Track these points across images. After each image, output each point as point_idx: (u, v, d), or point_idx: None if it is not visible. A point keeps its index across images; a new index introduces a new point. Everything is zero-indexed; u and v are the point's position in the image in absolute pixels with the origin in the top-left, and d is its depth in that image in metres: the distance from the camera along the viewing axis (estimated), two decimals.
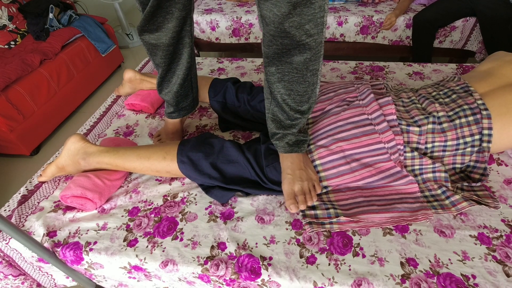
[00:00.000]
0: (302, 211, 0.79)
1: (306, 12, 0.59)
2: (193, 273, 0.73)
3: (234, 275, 0.70)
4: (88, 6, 2.86)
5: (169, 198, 0.88)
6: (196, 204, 0.85)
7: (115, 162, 0.87)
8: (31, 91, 1.72)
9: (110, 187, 0.88)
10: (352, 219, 0.75)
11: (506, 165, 0.90)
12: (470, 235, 0.73)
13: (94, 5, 2.93)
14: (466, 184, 0.81)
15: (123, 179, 0.93)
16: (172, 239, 0.77)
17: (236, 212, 0.83)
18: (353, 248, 0.73)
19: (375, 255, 0.71)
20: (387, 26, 1.99)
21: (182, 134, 1.09)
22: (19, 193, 0.91)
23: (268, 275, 0.69)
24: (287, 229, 0.78)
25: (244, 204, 0.84)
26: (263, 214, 0.82)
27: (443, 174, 0.81)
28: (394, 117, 0.82)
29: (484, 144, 0.81)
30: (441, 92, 0.90)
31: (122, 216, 0.84)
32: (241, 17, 2.14)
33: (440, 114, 0.82)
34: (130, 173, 0.96)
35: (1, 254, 0.81)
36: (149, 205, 0.86)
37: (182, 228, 0.80)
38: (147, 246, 0.76)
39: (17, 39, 1.96)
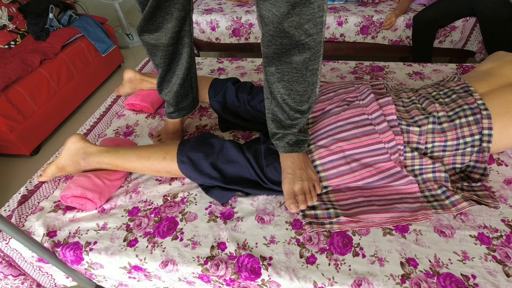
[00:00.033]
0: (302, 211, 0.79)
1: (305, 11, 0.59)
2: (193, 273, 0.73)
3: (234, 275, 0.70)
4: (88, 6, 2.86)
5: (169, 198, 0.88)
6: (196, 204, 0.85)
7: (115, 162, 0.87)
8: (31, 91, 1.72)
9: (110, 187, 0.88)
10: (352, 219, 0.75)
11: (506, 165, 0.90)
12: (470, 235, 0.73)
13: (94, 5, 2.93)
14: (466, 184, 0.81)
15: (123, 179, 0.93)
16: (172, 239, 0.77)
17: (236, 212, 0.83)
18: (353, 248, 0.73)
19: (375, 255, 0.71)
20: (387, 26, 1.99)
21: (182, 134, 1.09)
22: (19, 193, 0.91)
23: (268, 275, 0.69)
24: (287, 229, 0.78)
25: (244, 204, 0.84)
26: (263, 214, 0.82)
27: (443, 174, 0.81)
28: (394, 117, 0.82)
29: (484, 144, 0.81)
30: (441, 92, 0.90)
31: (122, 216, 0.84)
32: (241, 17, 2.14)
33: (440, 114, 0.82)
34: (130, 173, 0.96)
35: (1, 254, 0.82)
36: (149, 205, 0.86)
37: (182, 228, 0.80)
38: (147, 246, 0.76)
39: (17, 39, 1.96)
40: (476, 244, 0.72)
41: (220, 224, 0.80)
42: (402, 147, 0.81)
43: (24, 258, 0.83)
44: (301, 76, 0.70)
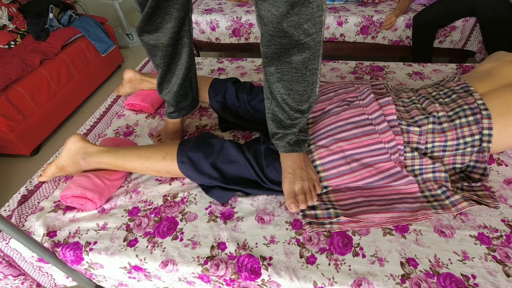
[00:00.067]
0: (302, 211, 0.79)
1: (304, 11, 0.59)
2: (193, 273, 0.73)
3: (234, 275, 0.70)
4: (88, 6, 2.86)
5: (169, 198, 0.88)
6: (196, 204, 0.85)
7: (115, 162, 0.87)
8: (31, 91, 1.72)
9: (110, 187, 0.88)
10: (352, 219, 0.75)
11: (506, 165, 0.90)
12: (470, 235, 0.73)
13: (94, 5, 2.93)
14: (466, 184, 0.81)
15: (123, 179, 0.93)
16: (172, 239, 0.77)
17: (236, 212, 0.83)
18: (353, 248, 0.73)
19: (375, 255, 0.71)
20: (387, 26, 1.99)
21: (183, 134, 1.09)
22: (19, 193, 0.91)
23: (268, 275, 0.69)
24: (287, 229, 0.78)
25: (244, 204, 0.84)
26: (263, 214, 0.82)
27: (443, 174, 0.81)
28: (395, 117, 0.82)
29: (484, 144, 0.81)
30: (441, 92, 0.90)
31: (122, 216, 0.84)
32: (241, 17, 2.14)
33: (440, 114, 0.82)
34: (130, 173, 0.96)
35: (1, 254, 0.82)
36: (149, 205, 0.86)
37: (182, 228, 0.80)
38: (147, 246, 0.76)
39: (17, 39, 1.96)
40: (476, 244, 0.72)
41: (220, 224, 0.80)
42: (402, 147, 0.81)
43: (24, 258, 0.83)
44: (300, 75, 0.70)
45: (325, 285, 0.67)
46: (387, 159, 0.80)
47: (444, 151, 0.83)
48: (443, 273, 0.67)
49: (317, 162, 0.82)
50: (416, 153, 0.81)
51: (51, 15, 2.04)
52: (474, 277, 0.66)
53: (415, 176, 0.83)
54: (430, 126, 0.81)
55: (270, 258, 0.72)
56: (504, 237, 0.72)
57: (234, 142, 0.88)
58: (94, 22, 2.25)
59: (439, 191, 0.80)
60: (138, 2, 0.79)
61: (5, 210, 0.87)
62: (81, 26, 2.16)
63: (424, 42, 1.99)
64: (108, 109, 1.25)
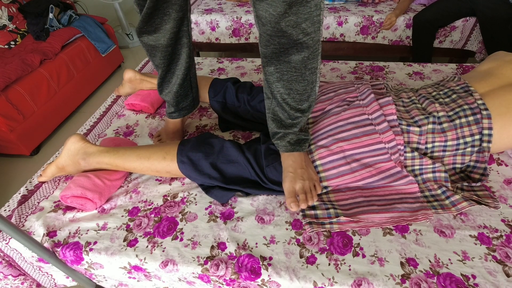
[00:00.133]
0: (302, 211, 0.79)
1: (302, 11, 0.59)
2: (193, 273, 0.73)
3: (234, 275, 0.70)
4: (88, 6, 2.86)
5: (169, 198, 0.88)
6: (196, 204, 0.85)
7: (115, 162, 0.87)
8: (31, 91, 1.72)
9: (110, 187, 0.88)
10: (352, 219, 0.75)
11: (506, 165, 0.90)
12: (470, 235, 0.73)
13: (94, 5, 2.93)
14: (466, 184, 0.81)
15: (123, 179, 0.93)
16: (172, 239, 0.77)
17: (236, 212, 0.83)
18: (353, 248, 0.73)
19: (375, 255, 0.71)
20: (387, 26, 1.99)
21: (183, 134, 1.09)
22: (19, 193, 0.91)
23: (268, 275, 0.69)
24: (287, 229, 0.78)
25: (244, 204, 0.84)
26: (263, 214, 0.82)
27: (443, 174, 0.81)
28: (395, 117, 0.82)
29: (484, 144, 0.81)
30: (441, 92, 0.90)
31: (122, 216, 0.84)
32: (241, 17, 2.14)
33: (440, 114, 0.82)
34: (130, 173, 0.96)
35: (1, 254, 0.81)
36: (149, 205, 0.86)
37: (182, 228, 0.80)
38: (147, 246, 0.76)
39: (17, 39, 1.96)
40: (476, 244, 0.72)
41: (220, 224, 0.80)
42: (402, 147, 0.81)
43: (24, 258, 0.83)
44: (300, 75, 0.70)
45: (325, 285, 0.67)
46: (387, 159, 0.80)
47: (444, 151, 0.83)
48: (443, 273, 0.67)
49: (317, 162, 0.82)
50: (416, 153, 0.81)
51: (51, 15, 2.04)
52: (474, 277, 0.66)
53: (415, 176, 0.83)
54: (430, 126, 0.81)
55: (270, 258, 0.72)
56: (504, 237, 0.72)
57: (234, 142, 0.88)
58: (94, 22, 2.25)
59: (439, 191, 0.80)
60: (137, 3, 0.79)
61: (5, 210, 0.87)
62: (81, 26, 2.16)
63: (424, 42, 1.99)
64: (108, 109, 1.25)
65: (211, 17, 2.18)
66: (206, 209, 0.84)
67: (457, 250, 0.71)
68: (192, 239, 0.77)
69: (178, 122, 1.04)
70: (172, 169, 0.86)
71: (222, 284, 0.74)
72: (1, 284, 0.85)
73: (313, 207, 0.79)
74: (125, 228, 0.81)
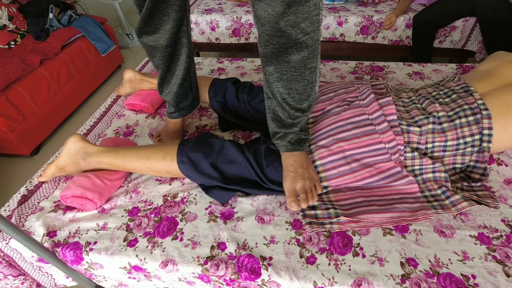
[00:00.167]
0: (302, 211, 0.79)
1: (301, 10, 0.59)
2: (193, 273, 0.73)
3: (234, 275, 0.70)
4: (88, 6, 2.86)
5: (169, 198, 0.88)
6: (196, 204, 0.85)
7: (115, 162, 0.87)
8: (31, 91, 1.72)
9: (110, 187, 0.88)
10: (352, 219, 0.75)
11: (506, 165, 0.90)
12: (470, 235, 0.73)
13: (94, 5, 2.93)
14: (466, 184, 0.81)
15: (123, 179, 0.93)
16: (172, 239, 0.77)
17: (236, 212, 0.83)
18: (353, 248, 0.73)
19: (375, 255, 0.71)
20: (387, 26, 1.99)
21: (183, 134, 1.09)
22: (19, 193, 0.91)
23: (268, 275, 0.69)
24: (287, 229, 0.78)
25: (244, 204, 0.84)
26: (263, 214, 0.82)
27: (443, 174, 0.81)
28: (395, 117, 0.82)
29: (484, 144, 0.81)
30: (441, 92, 0.90)
31: (122, 216, 0.84)
32: (241, 17, 2.14)
33: (440, 114, 0.82)
34: (130, 173, 0.96)
35: (1, 254, 0.82)
36: (149, 205, 0.86)
37: (182, 228, 0.80)
38: (147, 246, 0.76)
39: (17, 39, 1.96)
40: (476, 244, 0.72)
41: (220, 224, 0.80)
42: (402, 147, 0.81)
43: (24, 258, 0.83)
44: (299, 74, 0.70)
45: (325, 285, 0.67)
46: (387, 159, 0.80)
47: (444, 151, 0.83)
48: (443, 273, 0.67)
49: (318, 162, 0.82)
50: (416, 153, 0.81)
51: (51, 15, 2.04)
52: (474, 277, 0.66)
53: (415, 176, 0.83)
54: (430, 126, 0.81)
55: (270, 258, 0.72)
56: (504, 237, 0.72)
57: (234, 142, 0.88)
58: (94, 22, 2.25)
59: (439, 191, 0.80)
60: (136, 3, 0.79)
61: (5, 210, 0.87)
62: (81, 26, 2.16)
63: (424, 42, 1.99)
64: (108, 109, 1.25)
65: (211, 17, 2.18)
66: (206, 209, 0.84)
67: (457, 250, 0.71)
68: (192, 239, 0.77)
69: (178, 122, 1.04)
70: (172, 169, 0.86)
71: (222, 284, 0.74)
72: (1, 284, 0.85)
73: (313, 207, 0.79)
74: (125, 228, 0.81)
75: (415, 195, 0.80)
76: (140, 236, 0.79)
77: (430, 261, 0.69)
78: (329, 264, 0.70)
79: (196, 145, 0.86)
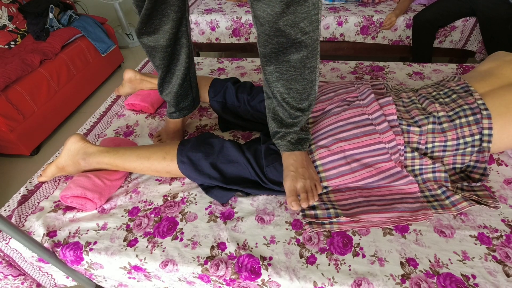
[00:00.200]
0: (302, 210, 0.79)
1: (300, 10, 0.60)
2: (193, 273, 0.73)
3: (234, 275, 0.70)
4: (88, 6, 2.86)
5: (169, 198, 0.88)
6: (196, 204, 0.85)
7: (115, 162, 0.87)
8: (31, 91, 1.72)
9: (110, 187, 0.88)
10: (352, 219, 0.75)
11: (506, 165, 0.90)
12: (470, 235, 0.73)
13: (94, 5, 2.93)
14: (466, 184, 0.81)
15: (123, 179, 0.93)
16: (172, 239, 0.77)
17: (236, 212, 0.83)
18: (353, 248, 0.73)
19: (375, 255, 0.71)
20: (387, 26, 1.99)
21: (183, 134, 1.09)
22: (19, 193, 0.91)
23: (268, 275, 0.69)
24: (287, 229, 0.78)
25: (244, 204, 0.84)
26: (263, 214, 0.82)
27: (443, 174, 0.81)
28: (395, 117, 0.82)
29: (484, 144, 0.81)
30: (441, 92, 0.90)
31: (122, 216, 0.84)
32: (241, 17, 2.14)
33: (440, 114, 0.82)
34: (130, 173, 0.96)
35: (1, 254, 0.82)
36: (149, 205, 0.86)
37: (182, 228, 0.80)
38: (147, 246, 0.76)
39: (17, 39, 1.96)
40: (476, 244, 0.72)
41: (220, 224, 0.80)
42: (402, 147, 0.81)
43: (24, 258, 0.83)
44: (299, 74, 0.70)
45: (325, 285, 0.67)
46: (387, 159, 0.80)
47: (444, 151, 0.83)
48: (443, 273, 0.67)
49: (318, 162, 0.82)
50: (416, 153, 0.81)
51: (51, 15, 2.04)
52: (474, 277, 0.66)
53: (415, 176, 0.83)
54: (430, 126, 0.81)
55: (270, 258, 0.72)
56: (504, 237, 0.72)
57: (234, 142, 0.88)
58: (94, 22, 2.25)
59: (439, 191, 0.80)
60: (136, 4, 0.79)
61: (5, 210, 0.87)
62: (81, 26, 2.16)
63: (424, 42, 1.99)
64: (108, 109, 1.25)
65: (211, 17, 2.18)
66: (206, 209, 0.84)
67: (457, 250, 0.71)
68: (192, 239, 0.77)
69: (178, 122, 1.04)
70: (172, 169, 0.86)
71: (222, 284, 0.74)
72: (1, 284, 0.85)
73: (313, 207, 0.79)
74: (125, 228, 0.81)
75: (415, 195, 0.80)
76: (140, 236, 0.79)
77: (430, 261, 0.69)
78: (329, 264, 0.70)
79: (196, 145, 0.86)
